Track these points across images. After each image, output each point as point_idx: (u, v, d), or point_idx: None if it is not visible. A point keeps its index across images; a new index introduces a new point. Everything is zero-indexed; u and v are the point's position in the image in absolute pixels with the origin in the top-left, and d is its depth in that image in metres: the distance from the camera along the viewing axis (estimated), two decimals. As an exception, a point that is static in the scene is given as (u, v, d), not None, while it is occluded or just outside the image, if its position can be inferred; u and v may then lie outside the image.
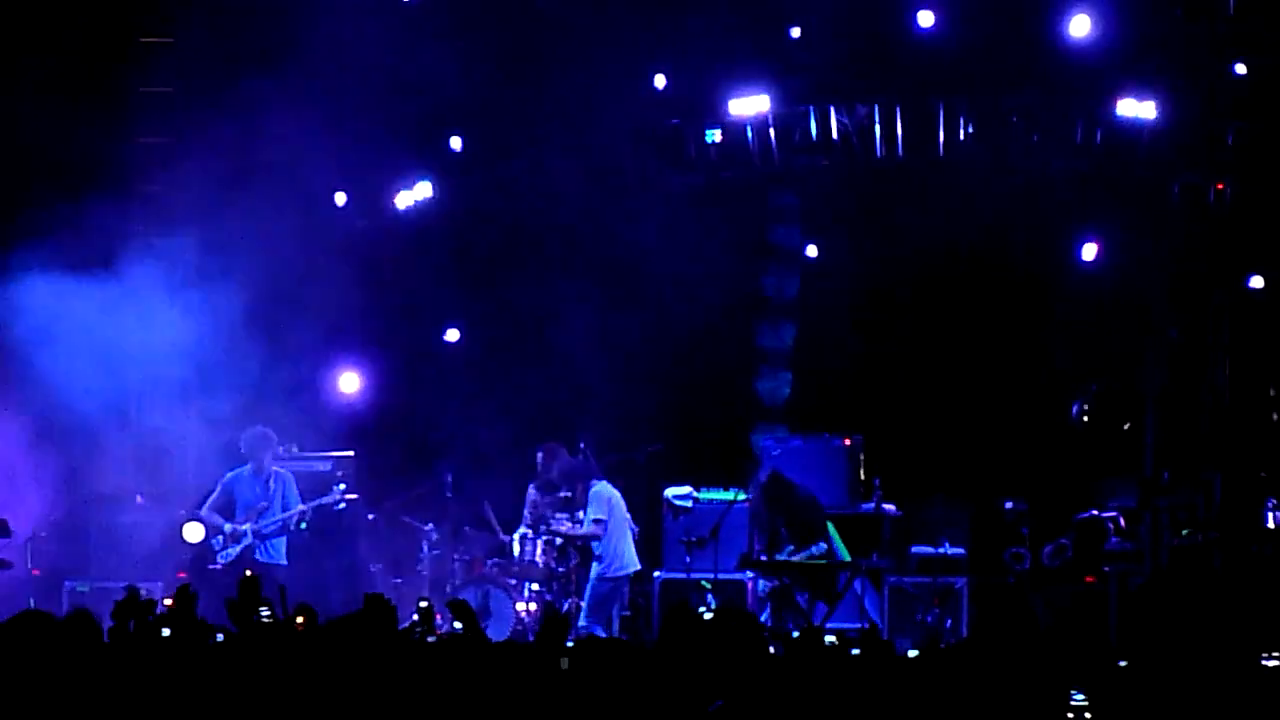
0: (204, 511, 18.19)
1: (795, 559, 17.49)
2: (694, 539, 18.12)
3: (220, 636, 10.06)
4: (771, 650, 10.21)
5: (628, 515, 18.19)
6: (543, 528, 18.60)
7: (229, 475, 18.26)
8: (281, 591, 10.77)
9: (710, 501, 19.14)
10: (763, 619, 17.22)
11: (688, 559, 18.20)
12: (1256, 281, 20.07)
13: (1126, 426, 20.36)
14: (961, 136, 19.74)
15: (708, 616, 10.42)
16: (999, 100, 19.59)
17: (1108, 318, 20.76)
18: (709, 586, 17.80)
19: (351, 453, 19.56)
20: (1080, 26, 19.09)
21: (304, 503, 18.17)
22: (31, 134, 18.99)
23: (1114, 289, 20.67)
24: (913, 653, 11.07)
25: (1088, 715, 8.37)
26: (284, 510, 18.07)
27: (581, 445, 18.55)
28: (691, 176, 20.75)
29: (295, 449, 19.20)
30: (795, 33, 20.13)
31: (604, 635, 16.95)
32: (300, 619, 9.99)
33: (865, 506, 19.33)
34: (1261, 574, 18.33)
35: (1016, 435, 20.83)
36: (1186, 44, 19.36)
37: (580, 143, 20.58)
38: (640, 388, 21.05)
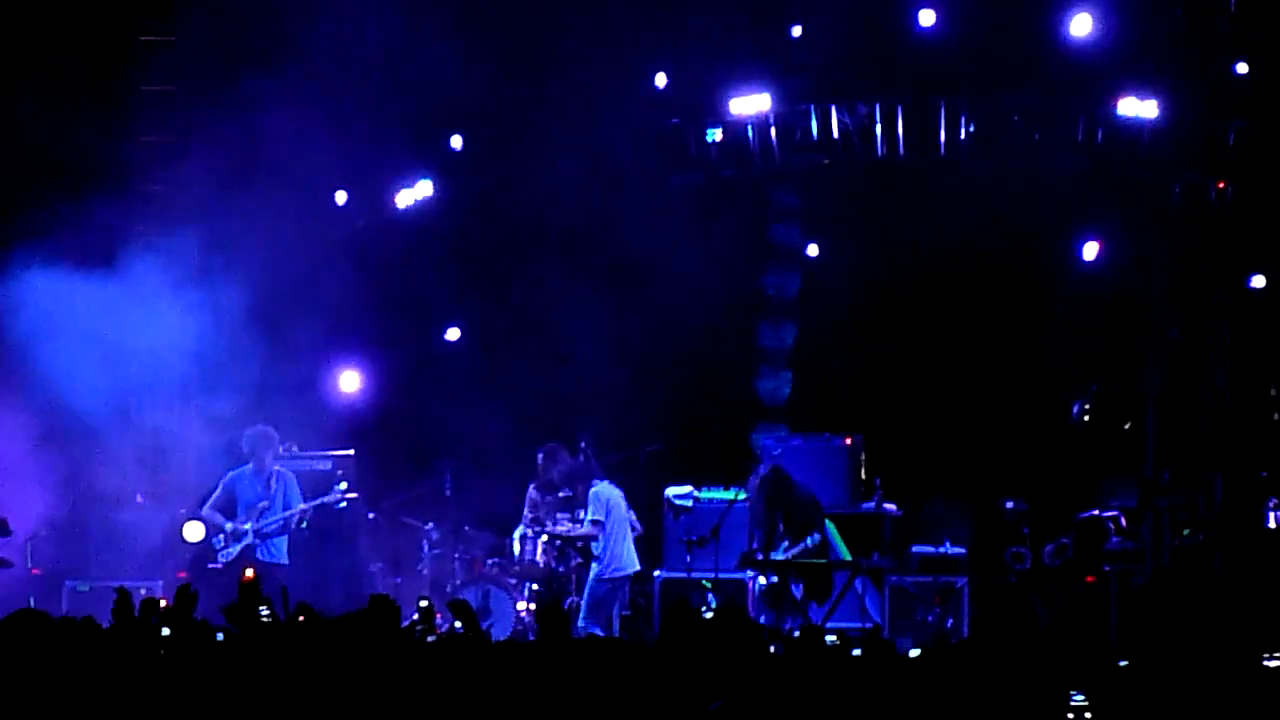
0: (205, 510, 18.18)
1: (791, 553, 17.47)
2: (694, 538, 18.10)
3: (221, 636, 10.06)
4: (771, 650, 10.20)
5: (631, 515, 18.16)
6: (537, 529, 18.58)
7: (230, 474, 18.24)
8: (284, 592, 10.78)
9: (711, 501, 19.13)
10: (762, 619, 17.21)
11: (688, 558, 18.19)
12: (1258, 281, 20.08)
13: (1127, 426, 20.36)
14: (962, 136, 19.73)
15: (708, 616, 10.42)
16: (1000, 99, 19.57)
17: (1108, 317, 20.76)
18: (710, 586, 17.79)
19: (351, 452, 19.54)
20: (1081, 26, 19.08)
21: (305, 502, 18.16)
22: (32, 133, 18.98)
23: (1115, 288, 20.66)
24: (914, 652, 11.05)
25: (1088, 715, 8.37)
26: (285, 509, 18.05)
27: (582, 445, 18.53)
28: (692, 175, 20.73)
29: (295, 448, 19.19)
30: (796, 32, 20.12)
31: (603, 635, 16.94)
32: (301, 618, 10.01)
33: (866, 506, 19.33)
34: (1262, 574, 18.32)
35: (1017, 435, 20.82)
36: (1187, 43, 19.36)
37: (581, 142, 20.56)
38: (641, 387, 21.04)
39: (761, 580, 18.02)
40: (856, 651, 9.62)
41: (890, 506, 19.30)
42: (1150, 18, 19.26)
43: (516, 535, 18.85)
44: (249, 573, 14.27)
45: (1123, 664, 8.85)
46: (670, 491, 19.47)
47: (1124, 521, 19.42)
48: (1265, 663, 8.99)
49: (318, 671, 8.87)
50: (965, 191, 20.34)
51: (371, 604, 9.97)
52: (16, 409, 18.73)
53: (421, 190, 21.00)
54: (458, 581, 19.03)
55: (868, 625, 17.46)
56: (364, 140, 20.10)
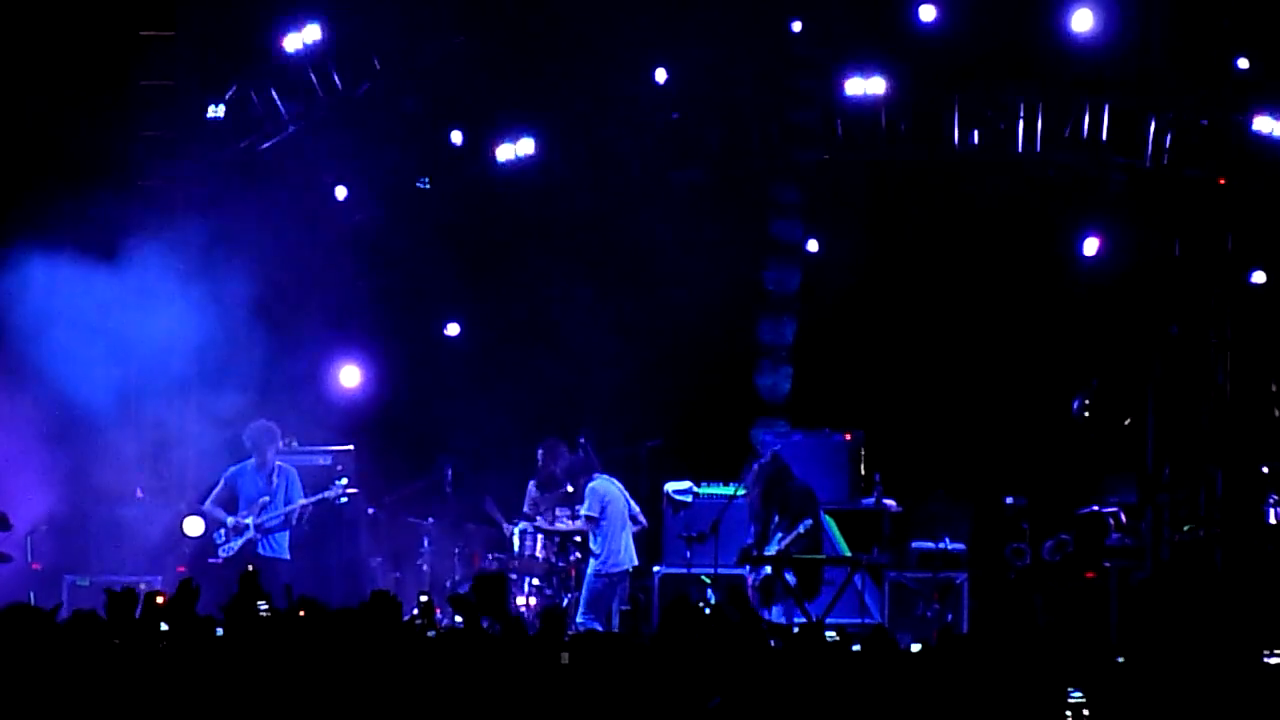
0: (207, 505, 18.17)
1: (785, 541, 17.44)
2: (694, 534, 18.10)
3: (221, 631, 10.06)
4: (771, 644, 10.20)
5: (635, 510, 18.14)
6: (530, 524, 18.57)
7: (232, 469, 18.23)
8: (287, 590, 10.77)
9: (710, 496, 19.12)
10: (761, 614, 17.20)
11: (688, 554, 18.19)
12: (1258, 277, 20.07)
13: (1127, 422, 20.35)
14: (964, 130, 19.70)
15: (706, 611, 10.42)
16: (1001, 94, 19.56)
17: (1109, 313, 20.75)
18: (709, 581, 17.79)
19: (351, 447, 19.53)
20: (1083, 21, 19.07)
21: (306, 497, 18.14)
22: (34, 127, 18.98)
23: (1115, 284, 20.65)
24: (915, 647, 11.05)
25: (1085, 712, 8.37)
26: (287, 504, 18.03)
27: (582, 440, 18.53)
28: (693, 171, 20.72)
29: (295, 443, 19.18)
30: (796, 27, 20.11)
31: (601, 630, 16.95)
32: (302, 612, 10.01)
33: (866, 502, 19.34)
34: (1263, 570, 18.32)
35: (1017, 431, 20.81)
36: (1189, 38, 19.34)
37: (583, 137, 20.55)
38: (641, 382, 21.04)
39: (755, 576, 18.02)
40: (855, 647, 9.63)
41: (890, 502, 19.30)
42: (1152, 12, 19.24)
43: (516, 530, 18.84)
44: (250, 568, 14.25)
45: (1122, 660, 8.85)
46: (670, 487, 19.47)
47: (1124, 517, 19.42)
48: (1265, 659, 8.99)
49: (320, 665, 8.87)
50: (967, 186, 20.35)
51: (372, 599, 9.98)
52: (18, 403, 18.72)
53: (422, 185, 21.00)
54: (457, 577, 19.03)
55: (867, 621, 17.45)
56: (365, 135, 20.11)
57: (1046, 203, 20.47)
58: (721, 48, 19.82)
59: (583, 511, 17.90)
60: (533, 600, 18.47)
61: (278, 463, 18.15)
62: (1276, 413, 19.94)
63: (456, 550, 19.39)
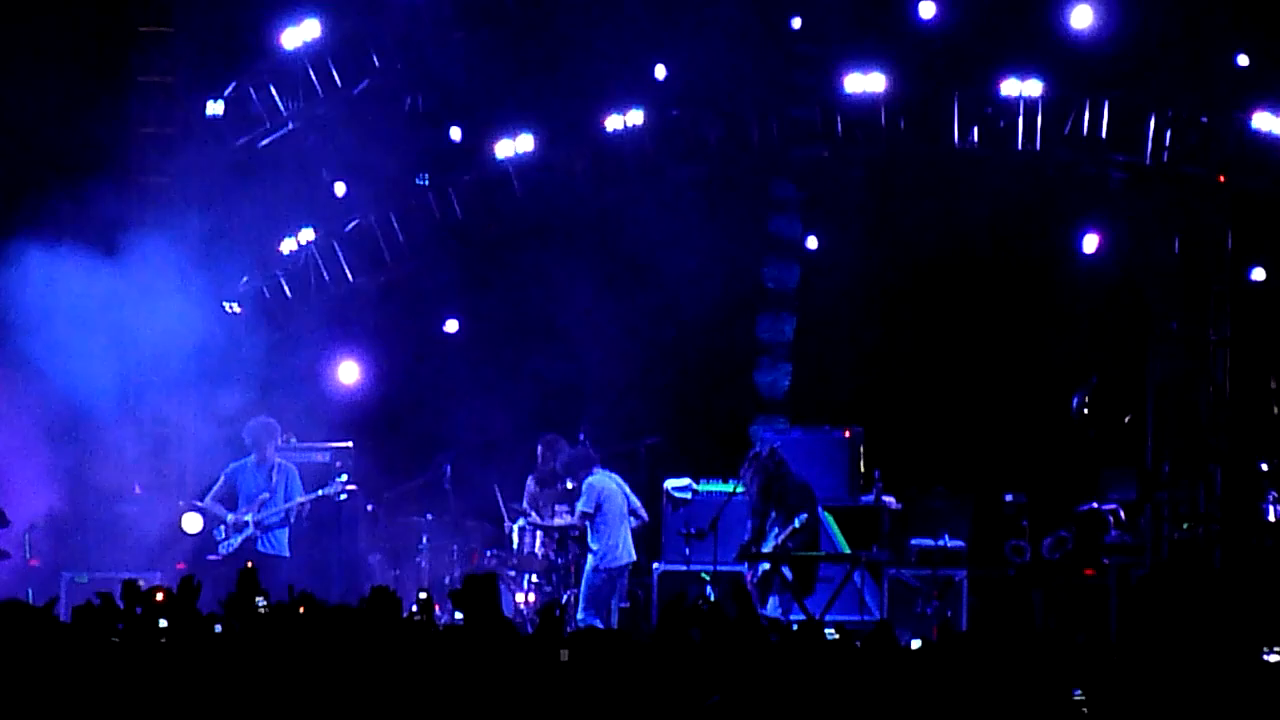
0: (207, 502, 18.16)
1: (781, 536, 17.42)
2: (693, 531, 18.09)
3: (219, 628, 10.06)
4: (772, 639, 10.19)
5: (635, 503, 18.10)
6: (524, 519, 18.56)
7: (232, 465, 18.22)
8: (290, 591, 10.75)
9: (710, 493, 19.10)
10: (761, 610, 17.18)
11: (687, 551, 18.19)
12: (1258, 274, 20.08)
13: (1127, 419, 20.36)
14: (963, 127, 19.69)
15: (704, 609, 10.41)
16: (1001, 91, 19.54)
17: (1108, 310, 20.75)
18: (708, 579, 17.77)
19: (350, 443, 19.52)
20: (1082, 17, 19.06)
21: (305, 493, 18.13)
22: (33, 124, 18.97)
23: (1115, 281, 20.66)
24: (916, 643, 11.04)
25: (1085, 710, 8.36)
26: (286, 501, 18.01)
27: (581, 437, 18.52)
28: (693, 167, 20.70)
29: (293, 439, 19.17)
30: (796, 24, 20.11)
31: (602, 627, 16.93)
32: (302, 609, 10.00)
33: (865, 499, 19.33)
34: (1262, 568, 18.33)
35: (1017, 428, 20.81)
36: (1189, 34, 19.34)
37: (582, 134, 20.53)
38: (640, 379, 21.03)
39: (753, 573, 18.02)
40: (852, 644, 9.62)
41: (889, 499, 19.29)
42: (1152, 8, 19.24)
43: (515, 527, 18.84)
44: (249, 565, 14.24)
45: (1121, 657, 8.84)
46: (669, 484, 19.45)
47: (1123, 514, 19.41)
48: (1264, 657, 8.98)
49: (320, 661, 8.87)
50: (966, 183, 20.33)
51: (372, 595, 9.97)
52: (16, 399, 18.71)
53: (421, 181, 20.99)
54: (456, 574, 19.01)
55: (867, 618, 17.43)
56: (364, 131, 20.10)
57: (1046, 200, 20.45)
58: (721, 44, 19.81)
59: (578, 507, 17.88)
60: (532, 597, 18.47)
61: (278, 459, 18.14)
62: (1275, 410, 19.95)
63: (455, 547, 19.39)
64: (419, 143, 20.64)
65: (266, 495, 17.98)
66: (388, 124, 20.26)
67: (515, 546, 18.80)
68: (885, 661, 9.09)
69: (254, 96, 20.05)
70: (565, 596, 18.23)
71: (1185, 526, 19.38)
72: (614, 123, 20.18)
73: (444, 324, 21.80)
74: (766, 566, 17.37)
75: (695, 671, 8.94)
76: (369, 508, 19.88)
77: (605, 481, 17.93)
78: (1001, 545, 19.39)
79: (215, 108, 20.08)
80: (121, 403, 19.30)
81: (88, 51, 19.71)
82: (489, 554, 19.03)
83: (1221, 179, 19.53)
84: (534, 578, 18.63)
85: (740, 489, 18.21)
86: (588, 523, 17.78)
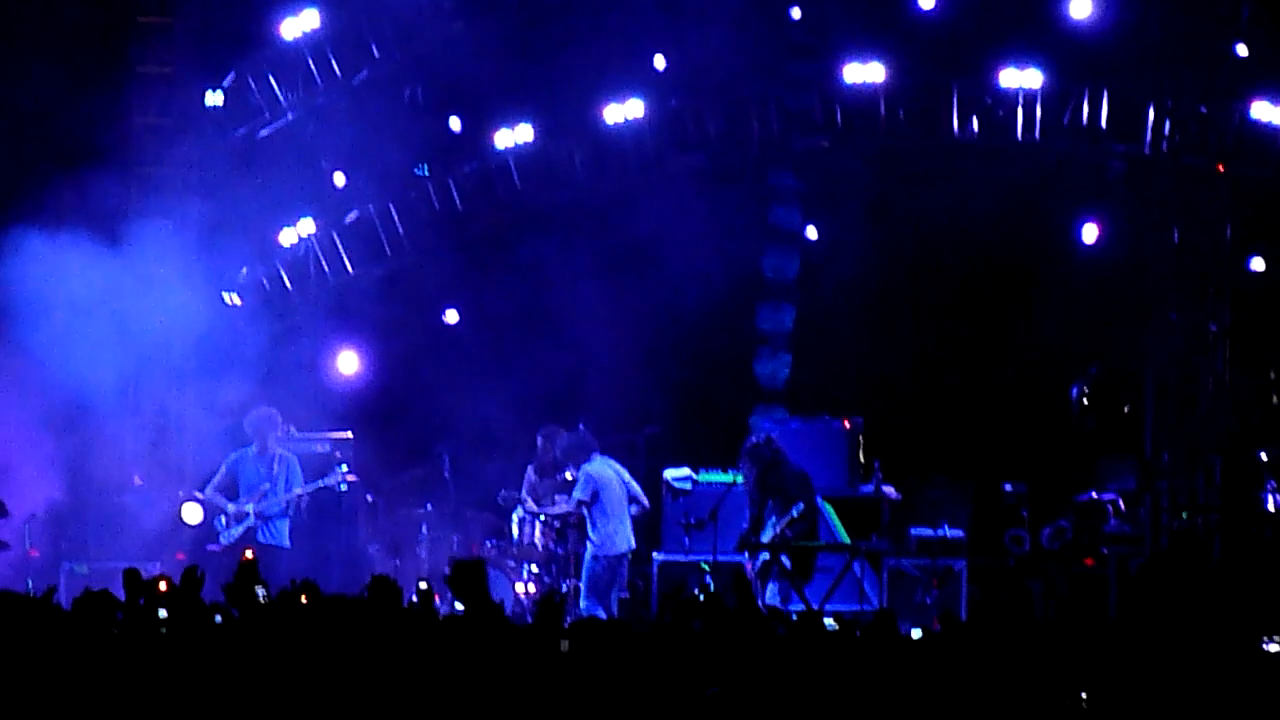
0: (207, 492, 18.14)
1: (779, 526, 17.41)
2: (693, 521, 18.08)
3: (220, 618, 10.06)
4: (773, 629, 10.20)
5: (635, 490, 18.05)
6: (521, 507, 18.55)
7: (233, 456, 18.19)
8: (292, 583, 10.75)
9: (709, 484, 19.10)
10: (761, 601, 17.19)
11: (686, 541, 18.19)
12: (1257, 264, 20.09)
13: (1126, 409, 20.37)
14: (963, 117, 19.69)
15: (703, 598, 10.42)
16: (1000, 81, 19.54)
17: (1108, 300, 20.76)
18: (708, 569, 17.77)
19: (349, 434, 19.52)
20: (1082, 7, 19.06)
21: (306, 484, 18.12)
22: (33, 114, 18.97)
23: (1114, 271, 20.66)
24: (916, 633, 11.05)
25: (1084, 699, 8.37)
26: (287, 491, 18.00)
27: (580, 427, 18.51)
28: (692, 157, 20.70)
29: (293, 429, 19.16)
30: (796, 13, 20.10)
31: (604, 617, 16.93)
32: (303, 597, 10.00)
33: (865, 489, 19.32)
34: (1261, 557, 18.34)
35: (1016, 417, 20.82)
36: (1188, 23, 19.34)
37: (581, 124, 20.53)
38: (639, 369, 21.03)
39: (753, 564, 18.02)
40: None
41: (889, 489, 19.29)
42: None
43: (515, 517, 18.83)
44: (248, 554, 14.24)
45: (1120, 648, 8.85)
46: (669, 474, 19.44)
47: (1123, 504, 19.43)
48: (1264, 646, 9.00)
49: (321, 650, 8.87)
50: (966, 173, 20.33)
51: (373, 584, 9.97)
52: (16, 389, 18.71)
53: (421, 171, 20.99)
54: (456, 564, 19.00)
55: (866, 608, 17.43)
56: (363, 122, 20.10)
57: (1045, 189, 20.45)
58: (720, 35, 19.80)
59: (574, 495, 17.84)
60: (532, 587, 18.47)
61: (278, 450, 18.12)
62: (1275, 399, 19.96)
63: (455, 538, 19.39)
64: (418, 133, 20.63)
65: (267, 486, 17.96)
66: (387, 114, 20.25)
67: (515, 537, 18.80)
68: (885, 651, 9.10)
69: (253, 86, 20.06)
70: (565, 586, 18.23)
71: (1184, 516, 19.40)
72: (613, 113, 20.19)
73: (444, 314, 21.80)
74: (766, 556, 17.38)
75: (695, 662, 8.95)
76: (369, 498, 19.88)
77: (603, 469, 17.90)
78: (1001, 535, 19.41)
79: (215, 98, 20.09)
80: (122, 393, 19.29)
81: (88, 42, 19.69)
82: (489, 544, 19.03)
83: (1221, 168, 19.53)
84: (534, 568, 18.63)
85: (740, 479, 18.21)
86: (585, 511, 17.74)
